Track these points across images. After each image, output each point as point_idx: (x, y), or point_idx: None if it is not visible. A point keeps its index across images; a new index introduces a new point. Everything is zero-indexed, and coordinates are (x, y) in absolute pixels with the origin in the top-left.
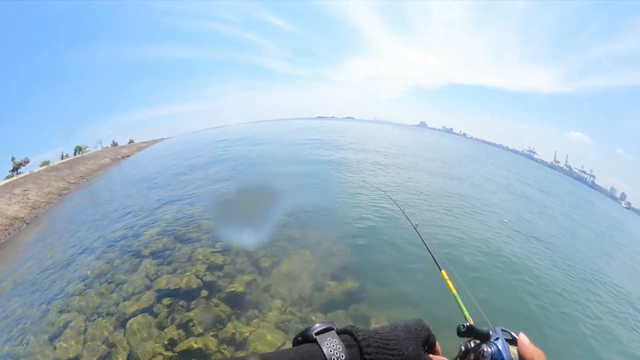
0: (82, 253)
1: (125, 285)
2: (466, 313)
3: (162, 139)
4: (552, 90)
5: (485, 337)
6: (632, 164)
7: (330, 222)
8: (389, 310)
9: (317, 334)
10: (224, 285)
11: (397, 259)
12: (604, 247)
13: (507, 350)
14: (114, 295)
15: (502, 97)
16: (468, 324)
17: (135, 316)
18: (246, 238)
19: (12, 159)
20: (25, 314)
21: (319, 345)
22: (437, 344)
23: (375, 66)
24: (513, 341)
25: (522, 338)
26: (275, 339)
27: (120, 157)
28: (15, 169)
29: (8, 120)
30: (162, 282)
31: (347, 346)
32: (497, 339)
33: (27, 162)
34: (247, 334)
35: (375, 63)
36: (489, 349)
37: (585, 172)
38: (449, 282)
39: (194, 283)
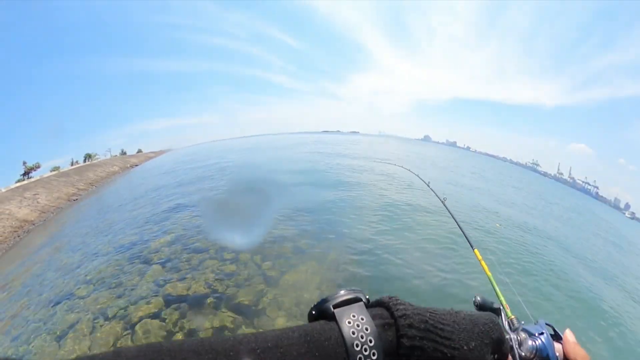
0: (90, 257)
1: (133, 290)
2: (502, 298)
3: (170, 149)
4: (555, 102)
5: (495, 312)
6: (634, 173)
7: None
8: None
9: (337, 306)
10: (232, 294)
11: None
12: None
13: (553, 347)
14: (122, 299)
15: (505, 110)
16: (480, 299)
17: (143, 320)
18: (252, 246)
19: (24, 163)
20: (32, 314)
21: (338, 323)
22: (509, 356)
23: (380, 81)
24: (556, 337)
25: (569, 335)
26: None
27: (128, 165)
28: (27, 173)
29: (21, 126)
30: (171, 289)
31: (379, 325)
32: (541, 333)
33: (38, 167)
34: None
35: (379, 78)
36: (533, 343)
37: (589, 184)
38: (482, 262)
39: (203, 291)
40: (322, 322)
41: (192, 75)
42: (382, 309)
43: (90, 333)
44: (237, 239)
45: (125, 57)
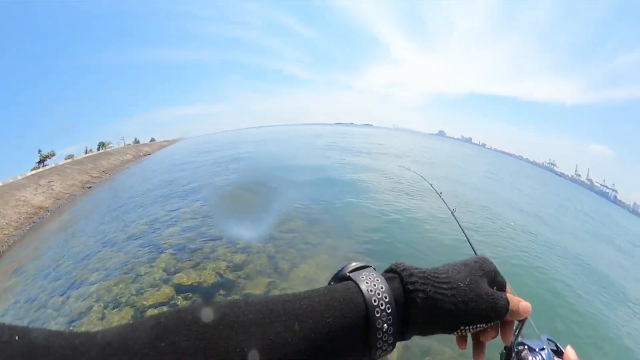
0: (103, 244)
1: (145, 277)
2: None
3: (183, 138)
4: (575, 101)
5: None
6: None
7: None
8: None
9: (351, 272)
10: (243, 284)
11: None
12: None
13: None
14: (134, 287)
15: (522, 107)
16: None
17: (154, 308)
18: (264, 237)
19: (39, 151)
20: (46, 300)
21: (355, 282)
22: (508, 286)
23: (395, 74)
24: (558, 353)
25: (569, 352)
26: None
27: (142, 154)
28: (42, 161)
29: (38, 114)
30: (182, 277)
31: (387, 278)
32: (542, 349)
33: (53, 155)
34: None
35: (394, 71)
36: (533, 359)
37: (607, 187)
38: None
39: (214, 280)
40: (342, 282)
41: (207, 64)
42: (387, 272)
43: (104, 319)
44: (249, 230)
45: (141, 47)
